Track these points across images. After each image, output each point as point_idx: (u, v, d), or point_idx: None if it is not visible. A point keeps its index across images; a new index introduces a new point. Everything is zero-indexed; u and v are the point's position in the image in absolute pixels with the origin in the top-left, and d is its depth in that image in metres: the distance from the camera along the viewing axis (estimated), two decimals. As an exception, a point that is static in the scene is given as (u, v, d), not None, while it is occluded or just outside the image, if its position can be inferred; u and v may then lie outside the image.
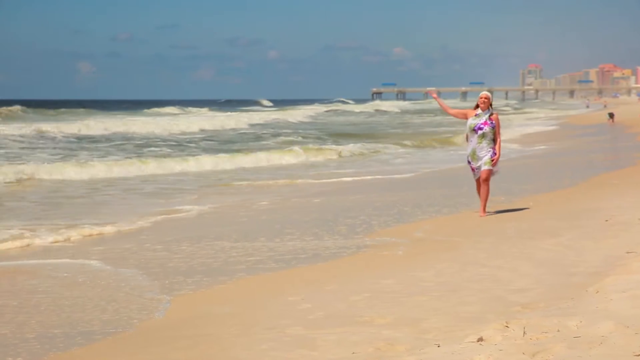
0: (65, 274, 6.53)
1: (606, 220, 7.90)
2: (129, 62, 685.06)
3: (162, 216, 10.04)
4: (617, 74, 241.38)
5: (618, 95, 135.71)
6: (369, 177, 15.05)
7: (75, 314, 5.27)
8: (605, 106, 65.40)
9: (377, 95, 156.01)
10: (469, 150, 8.90)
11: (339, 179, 14.84)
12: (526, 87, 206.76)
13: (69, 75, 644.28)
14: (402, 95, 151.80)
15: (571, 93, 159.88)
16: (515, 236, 7.41)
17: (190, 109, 75.10)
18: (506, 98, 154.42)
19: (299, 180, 14.72)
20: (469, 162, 8.92)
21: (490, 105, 8.96)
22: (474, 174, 8.91)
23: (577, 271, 5.74)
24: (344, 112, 69.24)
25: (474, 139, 8.80)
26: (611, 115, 35.94)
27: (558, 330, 3.84)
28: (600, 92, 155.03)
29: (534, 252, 6.57)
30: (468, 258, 6.41)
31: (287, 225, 8.82)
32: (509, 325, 4.03)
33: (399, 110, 72.52)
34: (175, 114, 61.44)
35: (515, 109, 77.39)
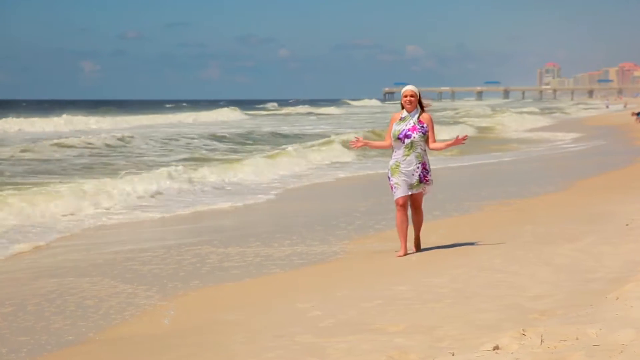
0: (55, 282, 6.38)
1: (626, 225, 7.78)
2: (136, 61, 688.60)
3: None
4: (637, 73, 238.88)
5: (639, 95, 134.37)
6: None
7: (68, 320, 5.19)
8: (625, 106, 64.75)
9: (389, 95, 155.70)
10: (391, 162, 6.84)
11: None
12: (544, 87, 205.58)
13: (73, 75, 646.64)
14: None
15: (590, 93, 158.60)
16: (532, 241, 7.29)
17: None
18: (523, 98, 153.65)
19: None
20: (388, 178, 6.89)
21: (420, 103, 6.85)
22: (394, 193, 6.83)
23: (596, 277, 5.62)
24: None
25: (400, 150, 6.78)
26: (639, 115, 35.72)
27: (577, 338, 3.75)
28: (620, 92, 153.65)
29: (551, 257, 6.44)
30: (483, 264, 6.29)
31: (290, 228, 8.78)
32: (525, 333, 3.94)
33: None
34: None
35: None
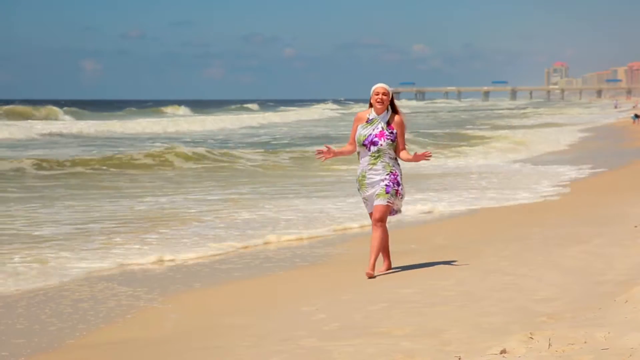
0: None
1: (635, 226, 7.73)
2: (139, 60, 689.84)
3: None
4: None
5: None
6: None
7: (67, 322, 5.15)
8: (634, 106, 64.48)
9: (395, 95, 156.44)
10: (357, 173, 5.99)
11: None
12: (551, 87, 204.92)
13: (75, 74, 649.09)
14: (421, 95, 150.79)
15: (599, 93, 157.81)
16: (540, 243, 7.24)
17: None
18: (530, 98, 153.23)
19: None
20: (358, 190, 6.05)
21: (392, 104, 5.98)
22: (366, 206, 6.04)
23: (605, 280, 5.57)
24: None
25: (366, 157, 5.89)
26: (637, 117, 35.49)
27: (585, 342, 3.71)
28: (629, 92, 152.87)
29: (559, 259, 6.40)
30: (490, 266, 6.25)
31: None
32: (533, 337, 3.90)
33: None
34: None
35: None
